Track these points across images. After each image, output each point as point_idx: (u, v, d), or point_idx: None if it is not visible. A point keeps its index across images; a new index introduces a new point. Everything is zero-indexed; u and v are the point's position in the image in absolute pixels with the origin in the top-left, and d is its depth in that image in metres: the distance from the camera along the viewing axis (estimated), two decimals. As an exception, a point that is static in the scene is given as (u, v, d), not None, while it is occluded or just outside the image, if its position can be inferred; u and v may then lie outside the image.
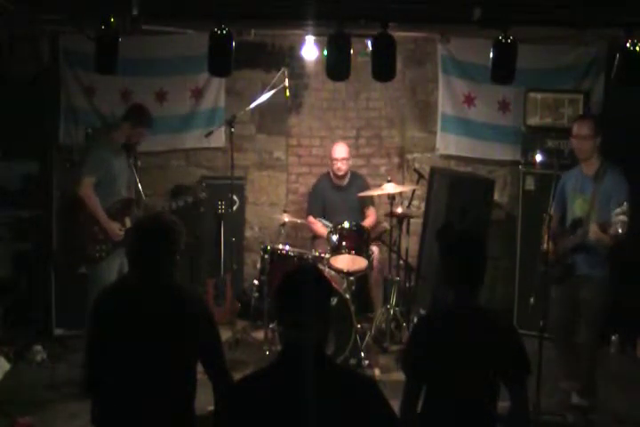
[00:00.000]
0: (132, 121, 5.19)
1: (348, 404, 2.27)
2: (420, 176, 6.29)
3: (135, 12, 4.60)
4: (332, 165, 6.35)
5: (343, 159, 6.31)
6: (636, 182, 4.62)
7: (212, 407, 3.09)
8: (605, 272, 4.67)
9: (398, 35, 4.92)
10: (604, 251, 4.58)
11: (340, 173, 6.34)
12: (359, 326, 5.52)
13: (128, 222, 5.12)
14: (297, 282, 2.36)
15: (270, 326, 5.60)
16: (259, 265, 5.84)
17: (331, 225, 6.00)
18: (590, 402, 4.75)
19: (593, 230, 4.40)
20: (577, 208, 4.70)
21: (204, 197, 5.70)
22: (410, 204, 6.25)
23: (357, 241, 5.70)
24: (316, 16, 4.82)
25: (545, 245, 4.68)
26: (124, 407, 2.92)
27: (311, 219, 6.40)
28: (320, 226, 6.32)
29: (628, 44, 4.62)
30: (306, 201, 6.72)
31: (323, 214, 6.41)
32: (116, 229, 5.06)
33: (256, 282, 5.79)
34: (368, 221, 6.33)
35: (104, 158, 5.10)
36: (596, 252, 4.59)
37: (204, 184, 6.05)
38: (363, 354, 5.44)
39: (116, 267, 5.05)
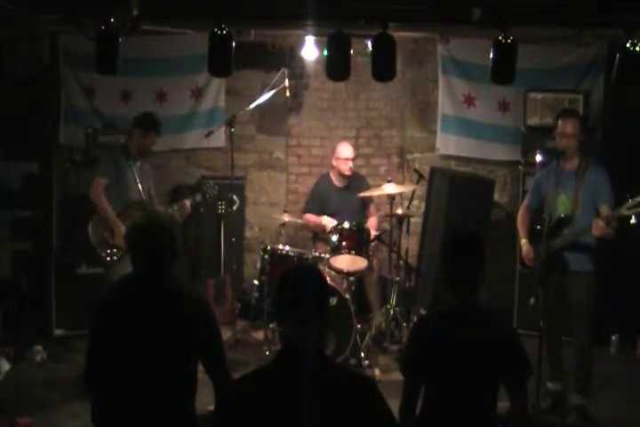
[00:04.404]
0: (143, 128, 5.25)
1: (347, 404, 2.26)
2: (420, 176, 6.28)
3: (135, 12, 4.61)
4: (338, 164, 6.30)
5: (350, 159, 6.29)
6: (636, 181, 4.62)
7: (212, 407, 3.09)
8: (593, 268, 4.69)
9: (398, 35, 4.93)
10: (593, 247, 4.62)
11: (347, 173, 6.31)
12: (359, 326, 5.53)
13: None
14: (295, 281, 2.36)
15: (270, 326, 5.60)
16: (259, 265, 5.85)
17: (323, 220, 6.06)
18: (587, 401, 4.76)
19: (598, 226, 4.38)
20: (560, 205, 4.69)
21: (213, 195, 5.68)
22: (410, 204, 6.24)
23: (357, 241, 5.70)
24: (316, 16, 4.83)
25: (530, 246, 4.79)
26: (124, 407, 2.92)
27: (306, 216, 6.38)
28: (315, 218, 6.28)
29: (628, 44, 4.62)
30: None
31: (320, 214, 6.38)
32: (123, 230, 5.06)
33: (256, 282, 5.80)
34: (371, 222, 6.31)
35: (116, 164, 5.17)
36: (585, 248, 4.61)
37: (211, 182, 5.95)
38: (363, 354, 5.45)
39: (129, 269, 5.03)
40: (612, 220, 4.38)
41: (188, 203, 5.46)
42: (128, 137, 5.43)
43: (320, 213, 6.34)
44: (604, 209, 4.49)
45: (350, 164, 6.28)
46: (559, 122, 4.76)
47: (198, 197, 5.57)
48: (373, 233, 5.99)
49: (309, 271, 2.50)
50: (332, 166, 6.41)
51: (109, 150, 5.44)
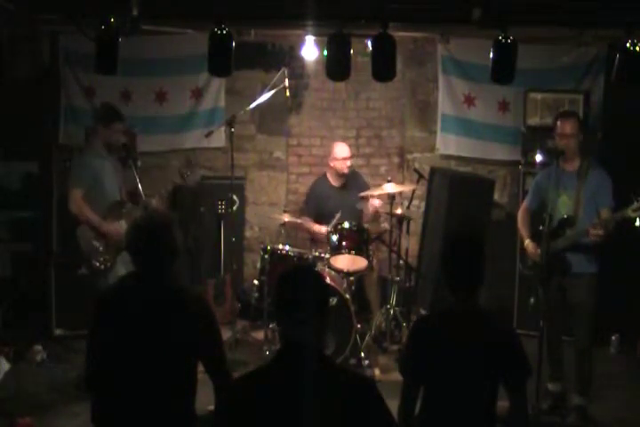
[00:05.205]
0: (103, 121, 5.15)
1: (347, 404, 2.26)
2: (420, 176, 6.28)
3: (135, 12, 4.60)
4: (335, 165, 6.28)
5: (347, 159, 6.27)
6: (636, 181, 4.62)
7: (212, 407, 3.09)
8: (595, 270, 4.69)
9: (398, 35, 4.93)
10: (595, 248, 4.62)
11: (345, 172, 6.29)
12: (359, 326, 5.53)
13: (124, 225, 5.09)
14: (293, 281, 2.37)
15: (270, 326, 5.60)
16: (259, 265, 5.85)
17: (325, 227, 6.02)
18: (587, 402, 4.77)
19: (594, 233, 4.40)
20: (561, 206, 4.68)
21: (189, 174, 5.57)
22: (410, 204, 6.24)
23: (357, 241, 5.70)
24: (316, 16, 4.83)
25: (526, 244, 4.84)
26: (123, 407, 2.92)
27: (303, 219, 6.34)
28: (310, 224, 6.25)
29: (627, 44, 4.62)
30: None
31: (316, 217, 6.35)
32: (115, 228, 5.04)
33: (256, 282, 5.80)
34: (370, 202, 6.18)
35: (87, 166, 5.06)
36: (587, 250, 4.62)
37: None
38: (363, 354, 5.45)
39: (121, 273, 5.01)
40: (609, 223, 4.38)
41: (153, 201, 5.40)
42: (92, 136, 5.34)
43: (316, 215, 6.33)
44: (603, 214, 4.49)
45: (348, 163, 6.28)
46: (558, 123, 4.77)
47: (177, 180, 5.49)
48: (373, 207, 6.06)
49: (307, 271, 2.50)
50: (329, 167, 6.40)
51: (80, 154, 5.39)
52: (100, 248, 5.02)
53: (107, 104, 5.46)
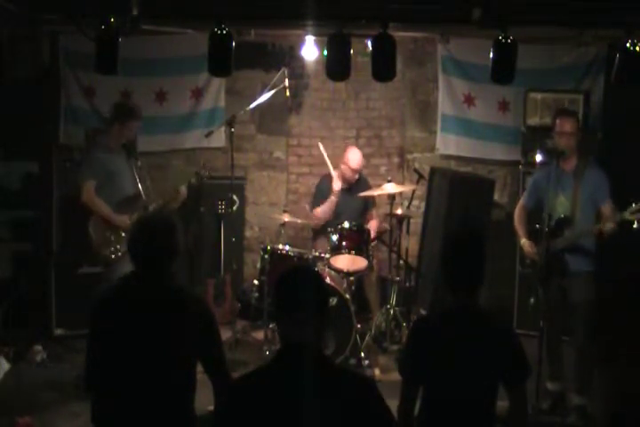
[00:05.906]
0: (120, 119, 5.23)
1: (347, 404, 2.26)
2: (420, 176, 6.28)
3: (135, 12, 4.60)
4: (345, 171, 6.16)
5: (358, 170, 6.18)
6: (636, 181, 4.63)
7: (211, 407, 3.10)
8: (592, 268, 4.72)
9: (398, 35, 4.93)
10: (592, 248, 4.66)
11: (352, 182, 6.24)
12: (359, 326, 5.53)
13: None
14: (292, 281, 2.37)
15: (270, 326, 5.60)
16: (259, 265, 5.85)
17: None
18: (587, 401, 4.77)
19: (607, 228, 4.41)
20: (559, 206, 4.70)
21: (206, 176, 5.63)
22: (410, 204, 6.24)
23: (357, 241, 5.70)
24: (316, 16, 4.82)
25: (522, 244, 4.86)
26: (123, 407, 2.92)
27: (315, 210, 6.26)
28: (324, 205, 6.16)
29: (627, 44, 4.62)
30: (306, 202, 6.69)
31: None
32: (126, 221, 5.10)
33: (256, 282, 5.80)
34: (371, 225, 6.23)
35: (101, 161, 5.16)
36: (584, 249, 4.64)
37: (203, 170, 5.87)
38: (363, 354, 5.46)
39: (129, 267, 5.03)
40: (616, 217, 4.40)
41: (183, 189, 5.45)
42: (100, 135, 5.42)
43: None
44: (606, 209, 4.51)
45: (357, 176, 6.22)
46: (557, 121, 4.78)
47: (193, 180, 5.56)
48: (373, 235, 6.00)
49: (307, 271, 2.51)
50: (339, 168, 6.35)
51: (93, 149, 5.43)
52: (112, 237, 5.09)
53: (123, 103, 5.55)
